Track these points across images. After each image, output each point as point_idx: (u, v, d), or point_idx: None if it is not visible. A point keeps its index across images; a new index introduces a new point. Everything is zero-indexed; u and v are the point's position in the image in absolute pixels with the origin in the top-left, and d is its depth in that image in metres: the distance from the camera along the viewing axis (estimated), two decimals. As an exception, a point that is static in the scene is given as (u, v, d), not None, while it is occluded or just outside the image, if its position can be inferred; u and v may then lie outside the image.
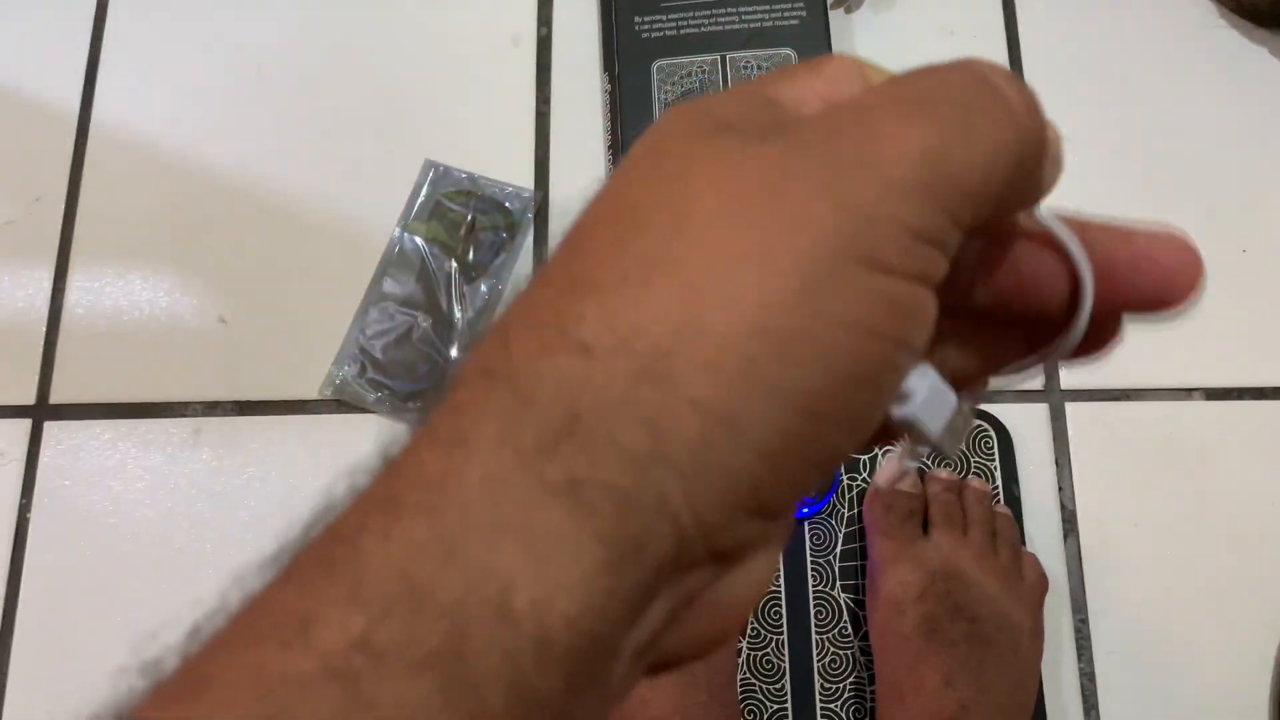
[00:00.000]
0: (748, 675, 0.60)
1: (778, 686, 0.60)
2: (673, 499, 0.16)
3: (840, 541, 0.63)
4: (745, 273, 0.16)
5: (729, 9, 0.71)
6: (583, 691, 0.16)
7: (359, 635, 0.14)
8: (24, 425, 0.66)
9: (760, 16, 0.70)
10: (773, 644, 0.61)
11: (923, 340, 0.18)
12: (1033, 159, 0.19)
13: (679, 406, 0.16)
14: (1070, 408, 0.65)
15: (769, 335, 0.16)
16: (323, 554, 0.16)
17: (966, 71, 0.18)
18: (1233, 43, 0.71)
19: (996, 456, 0.64)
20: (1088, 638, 0.61)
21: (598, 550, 0.15)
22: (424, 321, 0.66)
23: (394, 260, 0.68)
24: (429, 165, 0.70)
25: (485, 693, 0.14)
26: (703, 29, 0.71)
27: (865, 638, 0.60)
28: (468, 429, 0.16)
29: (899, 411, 0.19)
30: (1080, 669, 0.61)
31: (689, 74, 0.70)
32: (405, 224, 0.68)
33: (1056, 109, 0.71)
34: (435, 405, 0.17)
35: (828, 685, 0.60)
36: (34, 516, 0.65)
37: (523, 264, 0.68)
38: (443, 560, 0.15)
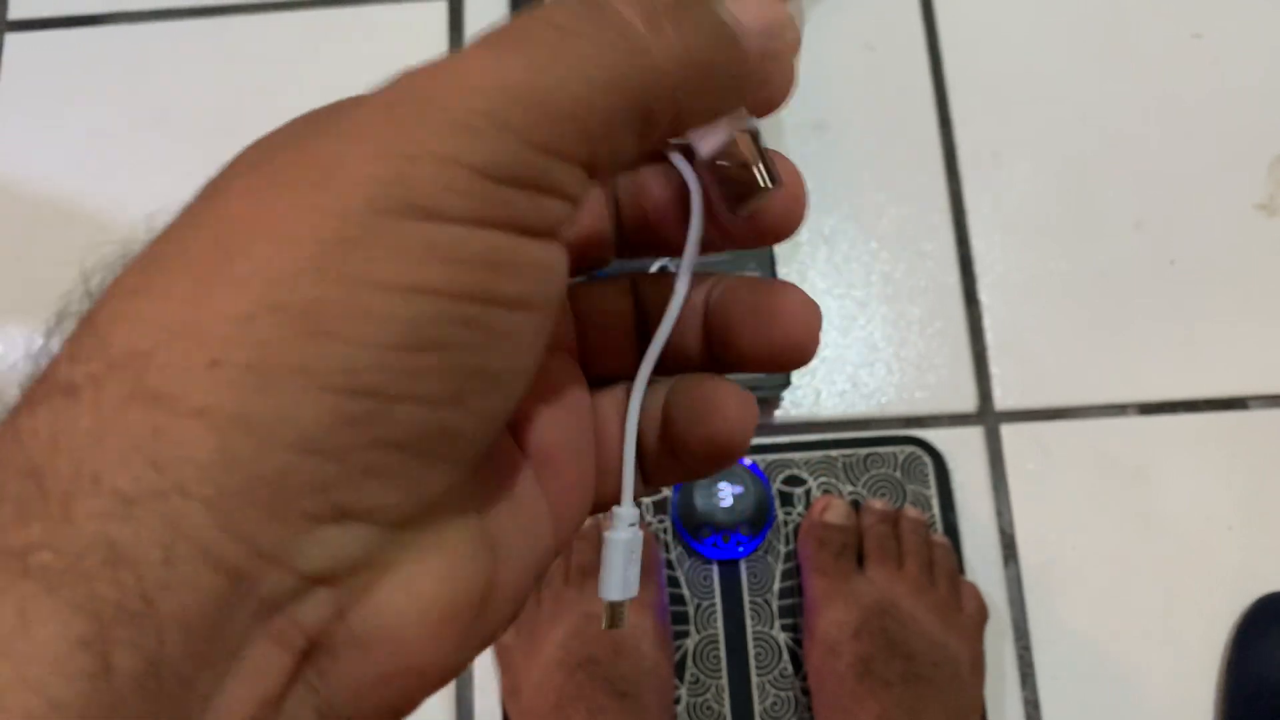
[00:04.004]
0: (687, 723, 0.59)
1: (717, 734, 0.59)
2: (203, 532, 0.13)
3: (778, 579, 0.61)
4: (254, 250, 0.14)
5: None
6: None
7: None
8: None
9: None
10: (712, 689, 0.59)
11: (537, 290, 0.15)
12: (670, 76, 0.16)
13: (181, 423, 0.13)
14: (1005, 430, 0.64)
15: (284, 312, 0.13)
16: None
17: None
18: (1159, 52, 0.71)
19: (932, 484, 0.63)
20: (1031, 664, 0.60)
21: (76, 625, 0.12)
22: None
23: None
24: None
25: None
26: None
27: (806, 677, 0.59)
28: None
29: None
30: (1024, 697, 0.60)
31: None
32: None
33: (981, 122, 0.70)
34: None
35: (768, 729, 0.59)
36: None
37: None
38: None
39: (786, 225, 0.20)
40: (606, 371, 0.21)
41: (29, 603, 0.12)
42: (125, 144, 0.70)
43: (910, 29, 0.72)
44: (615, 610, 0.20)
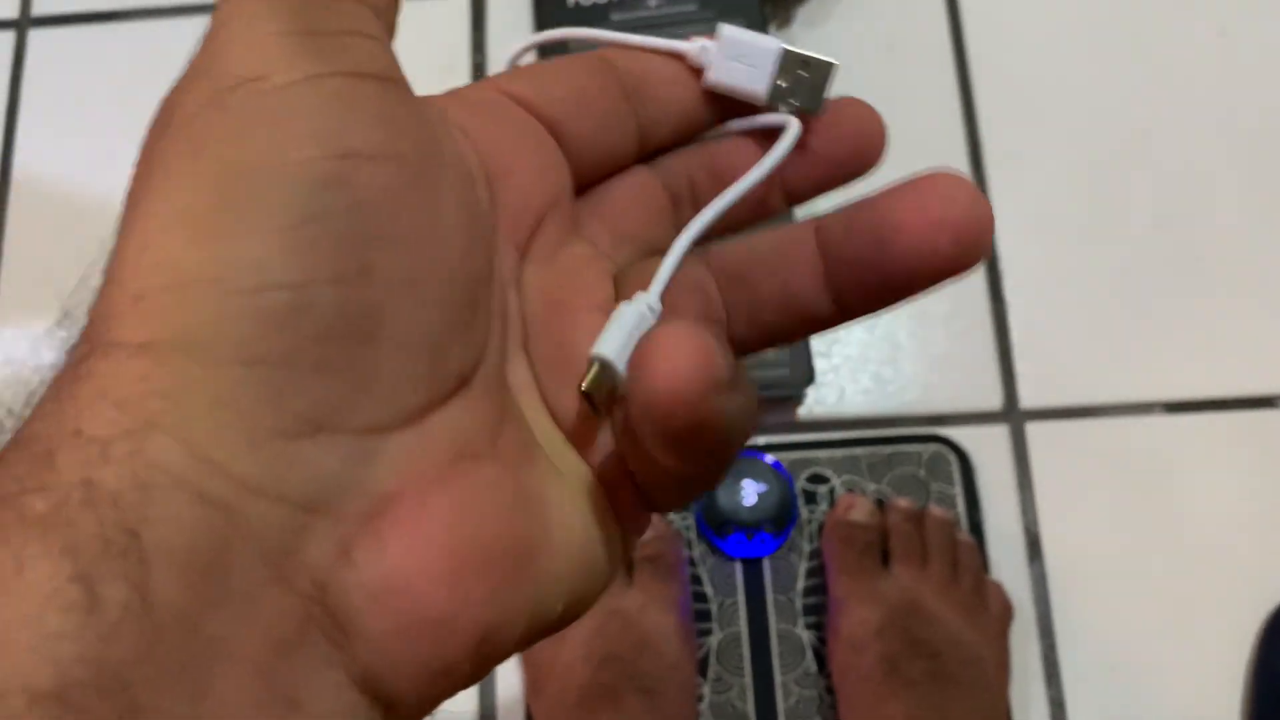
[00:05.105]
0: (710, 721, 0.59)
1: (741, 732, 0.59)
2: (176, 464, 0.13)
3: (802, 577, 0.61)
4: (140, 196, 0.15)
5: (666, 31, 0.69)
6: None
7: None
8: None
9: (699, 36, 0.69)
10: (735, 687, 0.59)
11: (386, 138, 0.16)
12: None
13: (131, 362, 0.14)
14: (1031, 428, 0.63)
15: (173, 229, 0.14)
16: None
17: None
18: (1184, 49, 0.70)
19: (957, 482, 0.62)
20: (1056, 664, 0.60)
21: (65, 564, 0.12)
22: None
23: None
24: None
25: None
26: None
27: (830, 676, 0.59)
28: None
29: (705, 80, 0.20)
30: (1050, 696, 0.60)
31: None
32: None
33: (1006, 120, 0.70)
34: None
35: (793, 728, 0.59)
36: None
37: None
38: None
39: (867, 130, 0.20)
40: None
41: (25, 548, 0.12)
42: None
43: (933, 29, 0.71)
44: (602, 371, 0.17)
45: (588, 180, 0.21)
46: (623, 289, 0.19)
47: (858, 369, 0.65)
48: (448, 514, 0.15)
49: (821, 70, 0.20)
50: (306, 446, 0.14)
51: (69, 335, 0.16)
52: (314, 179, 0.15)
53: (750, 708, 0.59)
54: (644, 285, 0.19)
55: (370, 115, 0.15)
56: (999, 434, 0.64)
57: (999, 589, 0.59)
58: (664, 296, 0.18)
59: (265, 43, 0.15)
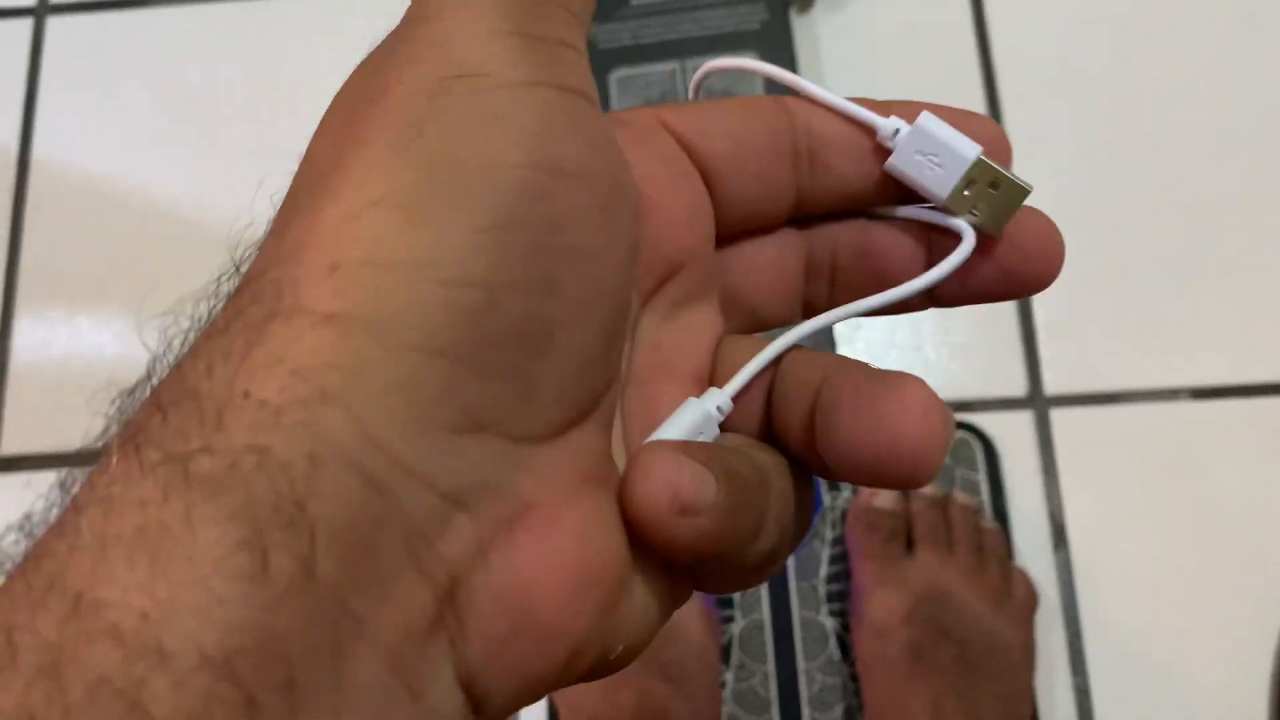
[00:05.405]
0: (734, 709, 0.58)
1: (765, 720, 0.58)
2: (345, 439, 0.13)
3: (825, 564, 0.61)
4: (344, 164, 0.15)
5: (687, 15, 0.68)
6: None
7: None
8: (-25, 481, 0.64)
9: (719, 22, 0.68)
10: (758, 675, 0.59)
11: (594, 157, 0.16)
12: None
13: (315, 331, 0.13)
14: (1055, 414, 0.63)
15: (383, 206, 0.14)
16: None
17: None
18: (1211, 32, 0.70)
19: (981, 469, 0.62)
20: (1081, 652, 0.60)
21: (235, 528, 0.12)
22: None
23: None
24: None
25: None
26: (661, 37, 0.68)
27: (855, 663, 0.59)
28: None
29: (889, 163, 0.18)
30: (1075, 684, 0.59)
31: (649, 83, 0.68)
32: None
33: (1030, 106, 0.69)
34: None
35: (818, 716, 0.58)
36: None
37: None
38: (68, 612, 0.12)
39: (1051, 254, 0.18)
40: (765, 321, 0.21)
41: (194, 508, 0.12)
42: (165, 127, 0.70)
43: (955, 12, 0.71)
44: None
45: (730, 233, 0.20)
46: (719, 363, 0.19)
47: (881, 355, 0.64)
48: (575, 530, 0.15)
49: (1014, 193, 0.18)
50: (467, 443, 0.14)
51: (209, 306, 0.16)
52: (520, 186, 0.15)
53: (773, 695, 0.59)
54: (739, 365, 0.19)
55: (576, 133, 0.16)
56: (1023, 420, 0.63)
57: (1024, 576, 0.59)
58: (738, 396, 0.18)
59: (489, 40, 0.15)
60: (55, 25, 0.73)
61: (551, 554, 0.15)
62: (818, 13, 0.70)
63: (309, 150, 0.16)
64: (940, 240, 0.19)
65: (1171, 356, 0.64)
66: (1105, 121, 0.68)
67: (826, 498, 0.62)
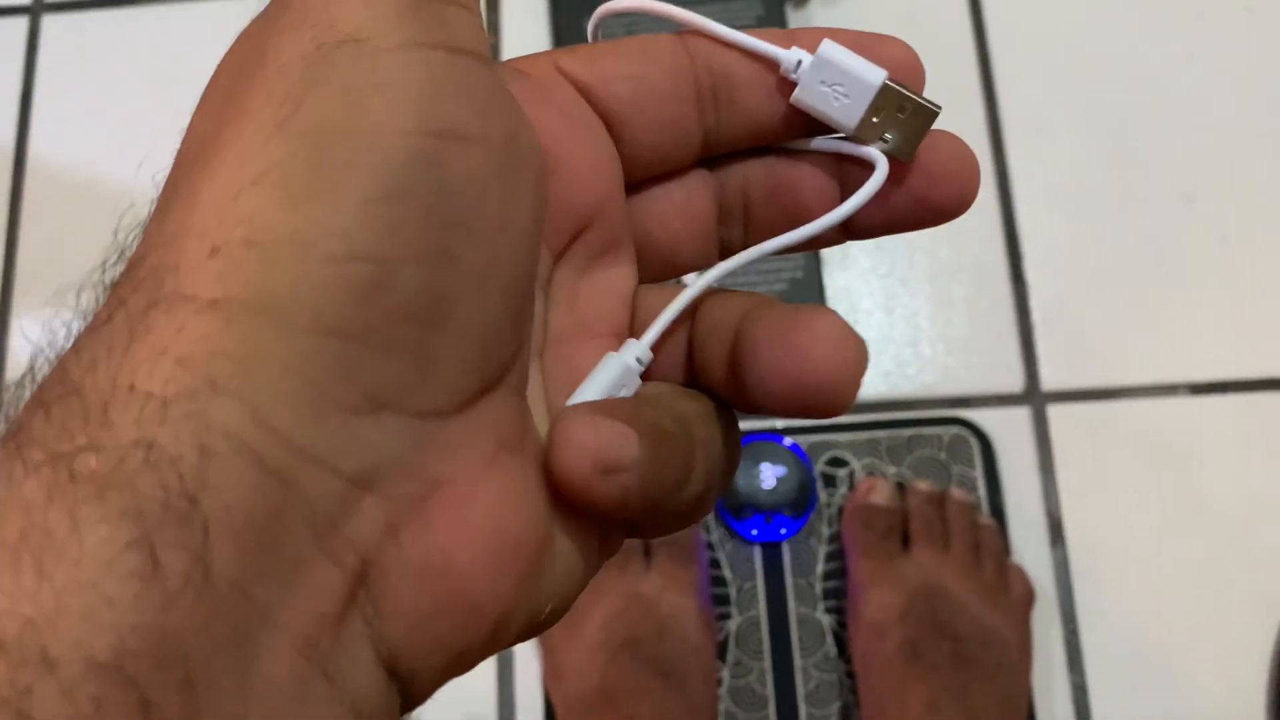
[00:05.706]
0: (731, 706, 0.58)
1: (760, 717, 0.58)
2: (239, 428, 0.13)
3: (821, 561, 0.61)
4: (222, 142, 0.14)
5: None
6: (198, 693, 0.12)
7: None
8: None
9: (714, 17, 0.68)
10: (755, 672, 0.59)
11: (487, 120, 0.15)
12: None
13: (199, 318, 0.13)
14: (1053, 410, 0.63)
15: (263, 183, 0.14)
16: None
17: None
18: (1210, 21, 0.69)
19: (978, 465, 0.62)
20: (1079, 648, 0.60)
21: (124, 527, 0.12)
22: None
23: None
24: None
25: None
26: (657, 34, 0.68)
27: (851, 660, 0.59)
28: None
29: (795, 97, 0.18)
30: (1072, 681, 0.59)
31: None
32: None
33: (1026, 94, 0.69)
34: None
35: (814, 713, 0.58)
36: None
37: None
38: None
39: (965, 176, 0.18)
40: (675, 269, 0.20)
41: (80, 509, 0.12)
42: (161, 125, 0.70)
43: (952, 2, 0.70)
44: None
45: (637, 179, 0.19)
46: (637, 314, 0.19)
47: (878, 351, 0.64)
48: (492, 502, 0.15)
49: (922, 115, 0.18)
50: (367, 423, 0.14)
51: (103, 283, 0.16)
52: (408, 154, 0.14)
53: (770, 692, 0.59)
54: (656, 314, 0.19)
55: (466, 95, 0.15)
56: (1020, 416, 0.63)
57: (1021, 573, 0.59)
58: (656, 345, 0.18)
59: (371, 3, 0.15)
60: (51, 23, 0.73)
61: (468, 527, 0.15)
62: (813, 7, 0.70)
63: (189, 128, 0.15)
64: (854, 172, 0.19)
65: (1170, 351, 0.63)
66: (1103, 113, 0.67)
67: (823, 495, 0.61)
